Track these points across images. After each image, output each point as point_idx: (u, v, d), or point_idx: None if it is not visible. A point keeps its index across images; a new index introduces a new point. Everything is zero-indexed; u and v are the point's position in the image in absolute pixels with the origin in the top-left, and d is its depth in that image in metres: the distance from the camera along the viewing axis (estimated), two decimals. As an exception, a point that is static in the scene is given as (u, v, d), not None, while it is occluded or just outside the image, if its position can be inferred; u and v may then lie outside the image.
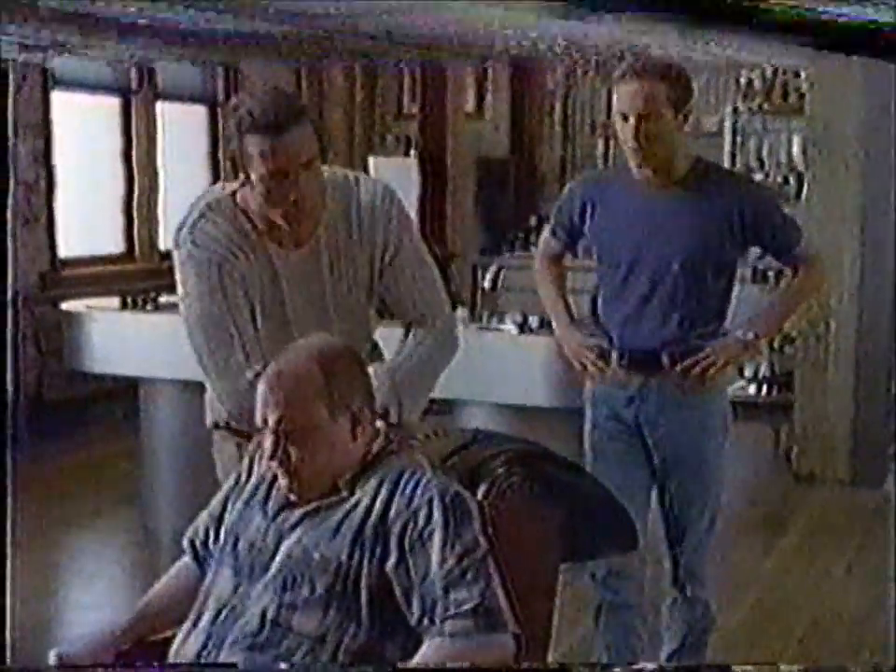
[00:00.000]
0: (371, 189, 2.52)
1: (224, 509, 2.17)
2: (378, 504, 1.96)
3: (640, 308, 2.89)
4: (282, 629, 1.93)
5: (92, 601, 4.34)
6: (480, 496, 2.06)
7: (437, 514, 1.93)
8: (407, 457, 2.05)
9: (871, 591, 4.27)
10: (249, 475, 2.17)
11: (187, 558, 2.23)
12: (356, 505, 1.98)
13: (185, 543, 2.23)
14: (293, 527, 2.02)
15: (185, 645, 2.03)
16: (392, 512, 1.95)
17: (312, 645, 1.91)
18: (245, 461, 2.21)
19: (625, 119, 2.77)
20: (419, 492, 1.95)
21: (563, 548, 2.16)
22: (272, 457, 2.00)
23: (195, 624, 2.04)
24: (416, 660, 1.89)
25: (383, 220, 2.50)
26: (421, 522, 1.93)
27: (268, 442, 2.00)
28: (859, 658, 3.61)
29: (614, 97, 2.84)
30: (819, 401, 5.79)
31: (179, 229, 2.48)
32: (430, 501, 1.94)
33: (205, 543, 2.18)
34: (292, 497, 2.04)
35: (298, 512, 2.03)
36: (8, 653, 2.64)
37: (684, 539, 2.98)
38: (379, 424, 2.12)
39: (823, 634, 3.92)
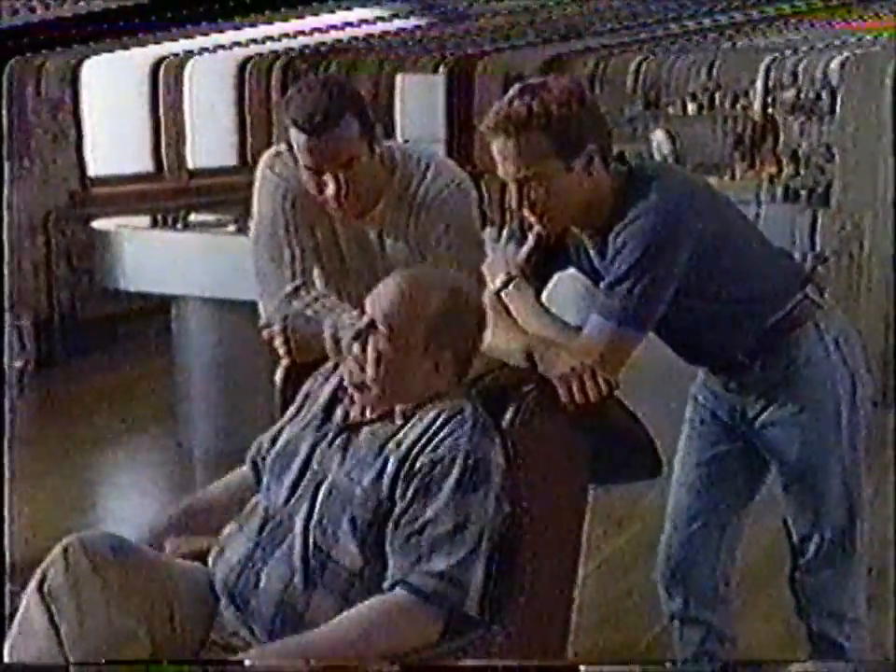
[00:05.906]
0: (441, 183, 2.49)
1: (282, 430, 2.20)
2: (417, 449, 1.97)
3: None
4: (323, 555, 1.96)
5: (127, 513, 4.43)
6: (508, 416, 2.07)
7: (454, 472, 1.92)
8: (455, 401, 2.04)
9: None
10: (314, 401, 2.19)
11: (246, 468, 2.27)
12: (399, 444, 1.99)
13: (248, 464, 2.26)
14: (344, 455, 2.04)
15: (229, 546, 2.06)
16: (423, 455, 1.95)
17: (350, 578, 1.94)
18: (308, 386, 2.23)
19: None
20: (448, 443, 1.95)
21: (590, 469, 2.18)
22: (356, 344, 2.03)
23: (241, 528, 2.07)
24: (356, 609, 1.89)
25: (441, 218, 2.47)
26: (437, 473, 1.93)
27: (356, 344, 2.04)
28: (883, 582, 3.63)
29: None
30: (852, 321, 5.74)
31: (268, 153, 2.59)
32: (454, 458, 1.94)
33: (264, 459, 2.20)
34: (353, 414, 2.07)
35: (352, 439, 2.06)
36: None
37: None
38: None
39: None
